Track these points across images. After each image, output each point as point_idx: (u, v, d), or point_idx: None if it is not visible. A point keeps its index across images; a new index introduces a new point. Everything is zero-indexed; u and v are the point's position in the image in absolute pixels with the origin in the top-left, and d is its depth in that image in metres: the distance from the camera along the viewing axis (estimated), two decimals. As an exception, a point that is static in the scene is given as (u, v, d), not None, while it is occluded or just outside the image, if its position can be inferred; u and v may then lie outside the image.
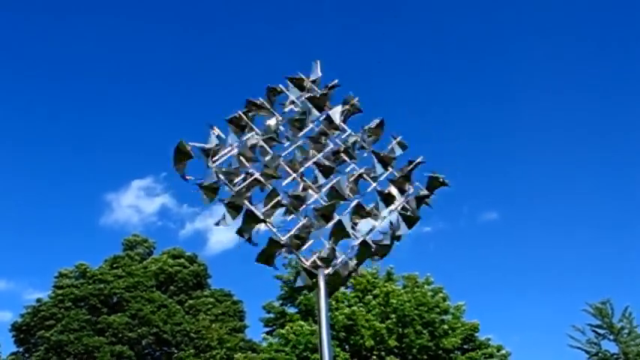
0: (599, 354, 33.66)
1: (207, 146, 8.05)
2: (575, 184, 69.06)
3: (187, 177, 8.03)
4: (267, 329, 37.82)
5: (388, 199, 8.56)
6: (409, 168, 8.84)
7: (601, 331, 33.94)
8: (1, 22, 75.54)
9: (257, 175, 8.07)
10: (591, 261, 64.46)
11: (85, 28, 77.51)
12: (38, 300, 44.18)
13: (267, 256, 7.80)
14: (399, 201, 8.60)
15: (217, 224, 7.91)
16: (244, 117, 8.63)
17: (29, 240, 69.73)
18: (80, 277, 44.75)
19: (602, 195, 68.29)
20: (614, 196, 68.55)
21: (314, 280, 7.66)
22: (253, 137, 8.51)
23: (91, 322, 41.98)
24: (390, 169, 8.92)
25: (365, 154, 9.10)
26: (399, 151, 9.07)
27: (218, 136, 8.22)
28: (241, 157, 8.21)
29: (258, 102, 8.85)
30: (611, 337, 33.60)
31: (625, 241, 63.70)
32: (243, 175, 8.06)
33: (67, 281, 44.27)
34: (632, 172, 67.66)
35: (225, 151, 8.19)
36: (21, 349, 44.04)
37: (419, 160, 8.89)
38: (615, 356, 33.37)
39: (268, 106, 8.93)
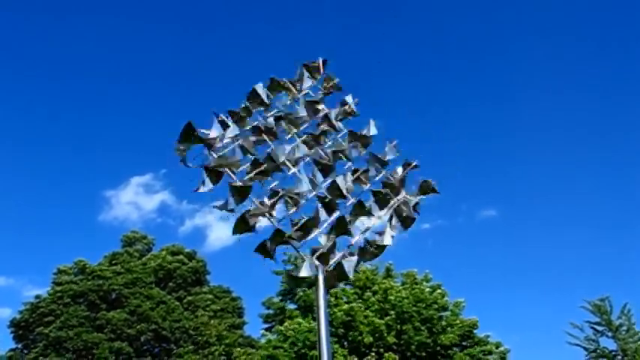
0: (598, 351, 33.75)
1: (211, 135, 7.99)
2: (575, 183, 69.28)
3: (187, 163, 7.80)
4: (267, 325, 37.91)
5: (383, 200, 8.68)
6: (403, 171, 9.08)
7: (599, 328, 34.02)
8: (1, 22, 75.46)
9: (261, 167, 8.03)
10: (590, 260, 64.65)
11: (85, 28, 77.69)
12: (37, 296, 44.16)
13: (267, 248, 7.75)
14: (393, 202, 8.72)
15: (217, 207, 7.75)
16: (246, 106, 8.61)
17: (29, 237, 69.93)
18: (79, 274, 44.75)
19: (601, 195, 68.48)
20: (614, 196, 68.74)
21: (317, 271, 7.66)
22: (254, 130, 8.51)
23: (90, 319, 41.96)
24: (385, 171, 9.09)
25: (361, 155, 9.20)
26: (393, 154, 9.29)
27: (222, 122, 8.14)
28: (243, 149, 8.18)
29: (260, 94, 8.85)
30: (610, 334, 33.67)
31: (624, 240, 63.86)
32: (246, 166, 8.02)
33: (66, 278, 44.23)
34: (632, 172, 67.86)
35: (228, 141, 8.15)
36: (20, 346, 44.03)
37: (413, 163, 9.17)
38: (613, 353, 33.45)
39: (270, 96, 8.94)
